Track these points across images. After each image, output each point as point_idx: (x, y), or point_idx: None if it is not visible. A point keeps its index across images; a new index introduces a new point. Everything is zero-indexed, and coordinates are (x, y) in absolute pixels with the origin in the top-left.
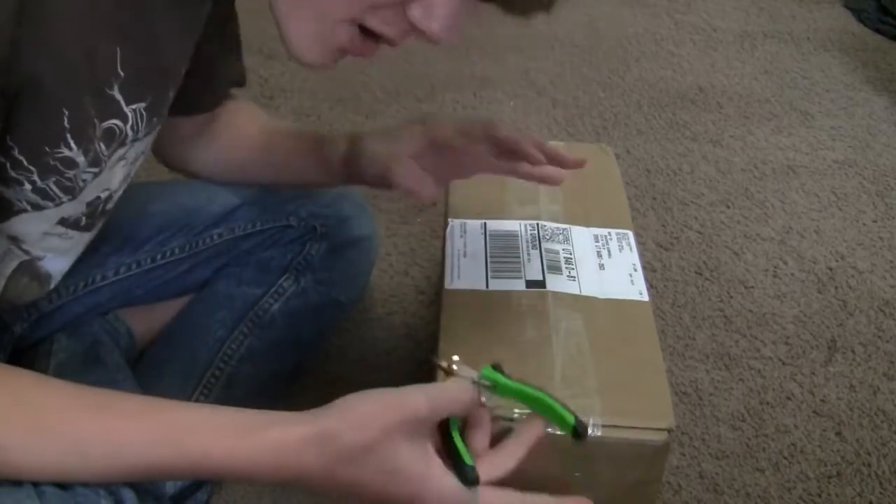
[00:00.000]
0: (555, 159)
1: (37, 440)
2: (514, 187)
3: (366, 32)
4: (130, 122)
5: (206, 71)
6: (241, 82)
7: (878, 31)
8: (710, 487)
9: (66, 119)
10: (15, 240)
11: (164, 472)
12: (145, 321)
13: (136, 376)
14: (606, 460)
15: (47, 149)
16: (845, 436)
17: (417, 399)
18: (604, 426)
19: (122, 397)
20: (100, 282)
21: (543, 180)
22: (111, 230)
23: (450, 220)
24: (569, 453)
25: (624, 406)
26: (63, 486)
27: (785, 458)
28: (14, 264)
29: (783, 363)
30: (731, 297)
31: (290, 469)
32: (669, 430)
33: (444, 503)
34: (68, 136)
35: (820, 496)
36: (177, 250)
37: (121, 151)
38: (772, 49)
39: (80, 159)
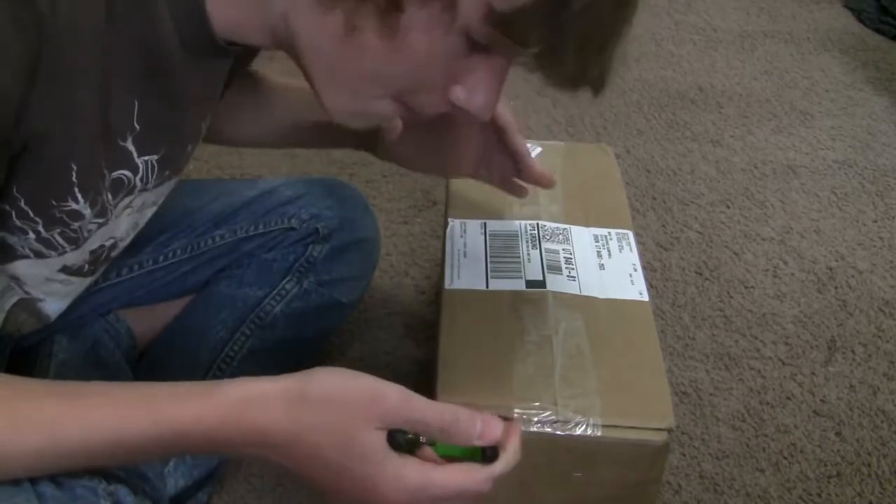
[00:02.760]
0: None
1: (12, 429)
2: None
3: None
4: (140, 174)
5: None
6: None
7: (878, 31)
8: (710, 487)
9: (74, 173)
10: (16, 279)
11: (139, 449)
12: (146, 322)
13: (136, 377)
14: (606, 460)
15: (54, 202)
16: (845, 436)
17: (391, 389)
18: (604, 426)
19: (93, 385)
20: (101, 283)
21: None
22: None
23: (450, 220)
24: (569, 453)
25: (624, 406)
26: (61, 486)
27: (785, 458)
28: (14, 300)
29: (783, 363)
30: (731, 297)
31: (256, 423)
32: (669, 431)
33: (399, 487)
34: (76, 189)
35: (820, 496)
36: (178, 251)
37: (127, 200)
38: (772, 49)
39: (87, 211)
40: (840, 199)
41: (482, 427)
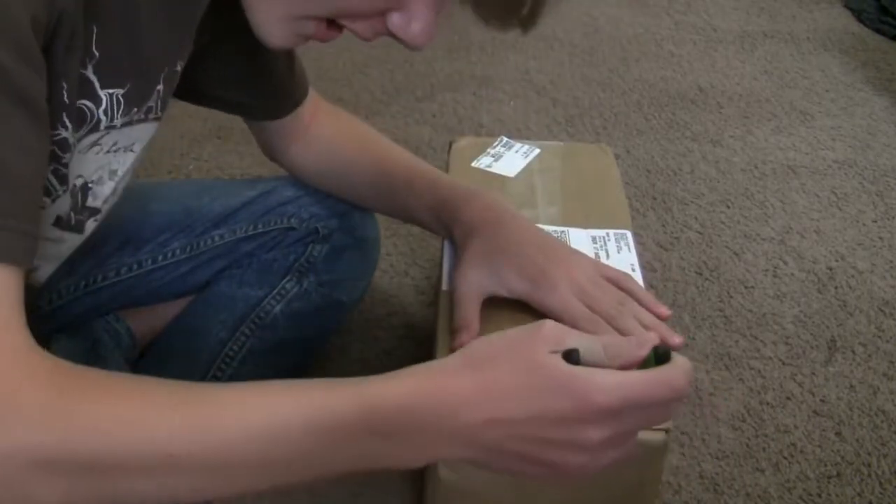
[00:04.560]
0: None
1: (216, 419)
2: (511, 189)
3: (333, 22)
4: (104, 107)
5: (261, 79)
6: (303, 88)
7: (878, 31)
8: (710, 487)
9: (65, 93)
10: None
11: (343, 435)
12: (146, 322)
13: None
14: None
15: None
16: (845, 436)
17: (543, 320)
18: None
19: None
20: (100, 282)
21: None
22: (112, 230)
23: None
24: None
25: None
26: None
27: (785, 458)
28: None
29: (783, 363)
30: (731, 297)
31: (444, 386)
32: (667, 431)
33: (603, 391)
34: (64, 115)
35: (820, 496)
36: (178, 251)
37: (93, 137)
38: (772, 49)
39: (72, 140)
40: (840, 199)
41: (638, 336)
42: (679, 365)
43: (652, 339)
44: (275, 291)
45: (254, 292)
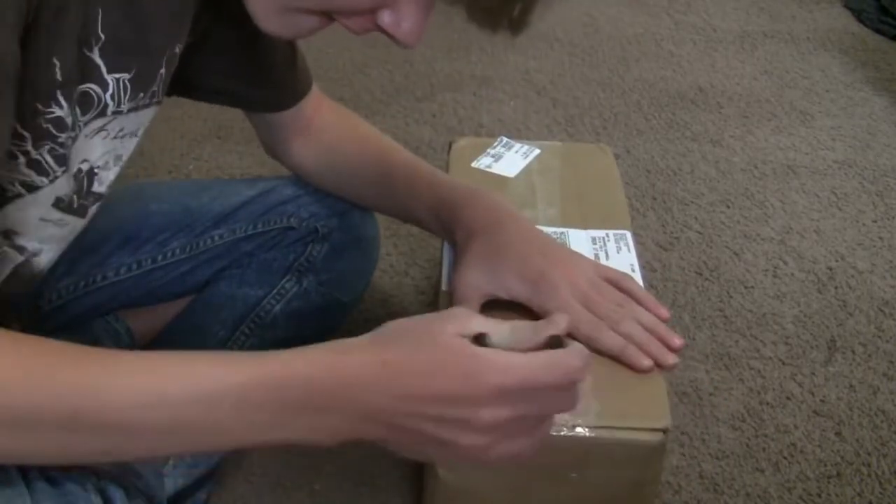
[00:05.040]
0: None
1: (121, 380)
2: (511, 190)
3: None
4: (111, 91)
5: (261, 70)
6: (306, 83)
7: (878, 31)
8: (710, 487)
9: (57, 70)
10: (10, 234)
11: (242, 404)
12: (146, 322)
13: None
14: (602, 461)
15: (40, 106)
16: (845, 436)
17: (454, 308)
18: (599, 427)
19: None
20: (100, 282)
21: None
22: (111, 230)
23: None
24: (565, 454)
25: (620, 406)
26: (52, 481)
27: (785, 458)
28: (8, 269)
29: (783, 363)
30: (731, 297)
31: (347, 367)
32: (665, 431)
33: (501, 370)
34: (59, 93)
35: (820, 496)
36: (177, 251)
37: (100, 122)
38: (772, 49)
39: (70, 120)
40: (840, 199)
41: (546, 321)
42: (575, 349)
43: (555, 325)
44: (274, 291)
45: (253, 292)
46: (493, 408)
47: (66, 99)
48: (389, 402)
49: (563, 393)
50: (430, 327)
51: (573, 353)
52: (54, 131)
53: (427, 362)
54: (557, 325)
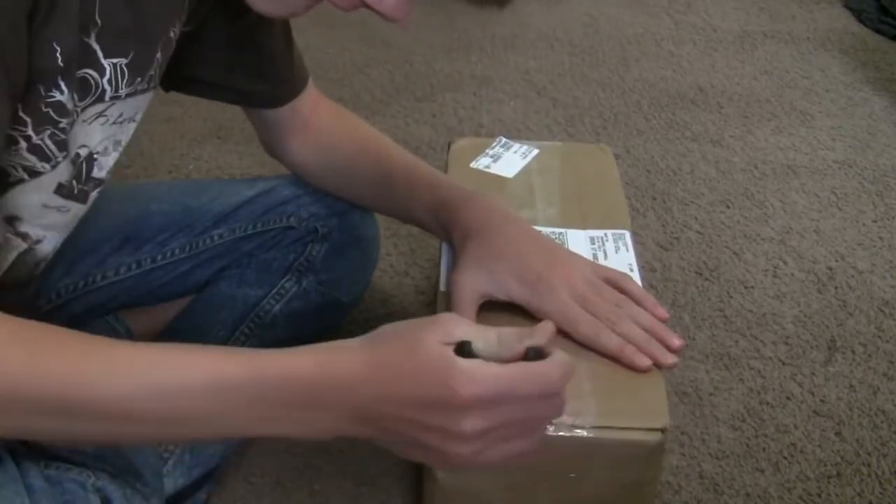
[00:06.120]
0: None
1: (106, 373)
2: (510, 190)
3: None
4: (108, 76)
5: (258, 62)
6: (302, 78)
7: (878, 31)
8: (710, 487)
9: (58, 55)
10: (13, 221)
11: (236, 399)
12: (145, 322)
13: None
14: (601, 461)
15: (42, 89)
16: (845, 436)
17: (443, 314)
18: (598, 427)
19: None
20: (100, 282)
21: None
22: (111, 230)
23: None
24: (564, 454)
25: (618, 406)
26: (49, 479)
27: (785, 458)
28: (12, 256)
29: (783, 363)
30: (731, 297)
31: (335, 365)
32: (663, 430)
33: (477, 382)
34: (60, 78)
35: (820, 496)
36: (177, 251)
37: (99, 107)
38: (772, 49)
39: (70, 106)
40: (840, 199)
41: (531, 330)
42: (556, 359)
43: (540, 334)
44: (274, 291)
45: (253, 291)
46: (472, 418)
47: (66, 84)
48: (374, 404)
49: (545, 401)
50: (416, 333)
51: (552, 365)
52: (55, 116)
53: (407, 368)
54: (543, 333)
